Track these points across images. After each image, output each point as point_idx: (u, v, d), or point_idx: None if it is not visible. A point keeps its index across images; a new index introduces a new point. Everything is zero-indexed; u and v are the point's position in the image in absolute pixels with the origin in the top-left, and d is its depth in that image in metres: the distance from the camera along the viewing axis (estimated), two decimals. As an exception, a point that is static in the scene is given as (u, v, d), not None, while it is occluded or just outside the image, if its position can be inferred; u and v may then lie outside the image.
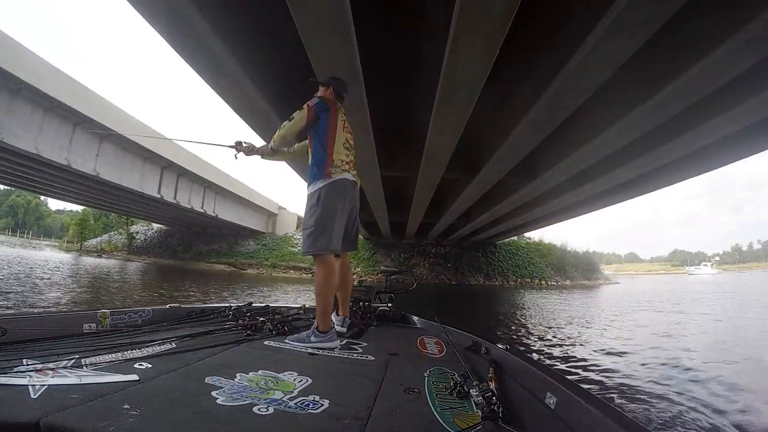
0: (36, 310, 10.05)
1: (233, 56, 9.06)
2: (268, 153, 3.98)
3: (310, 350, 3.08)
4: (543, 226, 35.68)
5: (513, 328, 13.34)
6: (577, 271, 50.67)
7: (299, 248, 49.02)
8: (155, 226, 57.15)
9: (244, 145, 3.94)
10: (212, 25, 8.18)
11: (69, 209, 72.66)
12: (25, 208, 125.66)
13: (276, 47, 9.53)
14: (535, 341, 10.96)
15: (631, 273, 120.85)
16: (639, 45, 7.35)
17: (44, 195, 68.60)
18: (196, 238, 52.47)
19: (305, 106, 3.56)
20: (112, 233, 62.35)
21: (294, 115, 3.58)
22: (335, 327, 3.52)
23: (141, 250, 55.03)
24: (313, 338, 3.22)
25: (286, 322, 3.69)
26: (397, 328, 4.40)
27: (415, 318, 4.61)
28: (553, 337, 11.71)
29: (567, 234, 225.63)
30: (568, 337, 11.63)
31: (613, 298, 30.81)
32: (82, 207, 62.15)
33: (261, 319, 3.68)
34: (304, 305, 4.72)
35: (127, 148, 25.82)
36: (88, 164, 23.45)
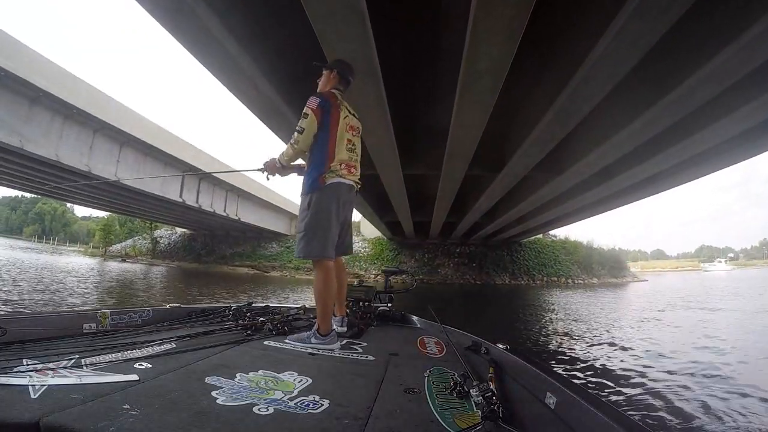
0: (36, 310, 10.16)
1: (246, 52, 8.80)
2: (286, 169, 3.69)
3: (310, 350, 3.08)
4: (568, 224, 34.96)
5: (549, 330, 13.01)
6: (604, 269, 50.01)
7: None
8: (179, 230, 57.34)
9: (268, 160, 3.69)
10: (221, 18, 7.92)
11: (95, 215, 74.36)
12: (51, 215, 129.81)
13: (291, 41, 9.21)
14: (576, 347, 10.47)
15: (657, 270, 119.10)
16: (667, 27, 6.95)
17: (68, 202, 69.84)
18: (220, 242, 52.61)
19: (308, 110, 3.35)
20: (136, 238, 62.83)
21: (302, 125, 3.36)
22: (335, 328, 3.46)
23: (165, 254, 55.35)
24: (313, 340, 3.22)
25: (286, 322, 3.70)
26: (397, 328, 4.43)
27: (415, 318, 4.65)
28: (597, 342, 11.17)
29: (593, 231, 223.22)
30: (614, 344, 11.02)
31: (645, 296, 30.23)
32: (107, 213, 62.72)
33: (261, 319, 3.71)
34: (304, 305, 4.74)
35: (147, 153, 25.78)
36: (109, 170, 23.40)
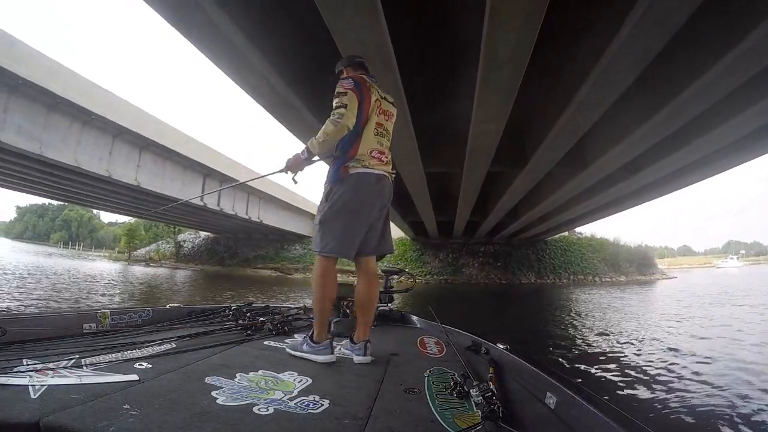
0: (36, 310, 10.30)
1: (255, 45, 8.52)
2: (314, 156, 3.13)
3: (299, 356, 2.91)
4: (594, 220, 34.37)
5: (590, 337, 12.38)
6: (632, 266, 48.84)
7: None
8: (202, 234, 57.58)
9: (291, 157, 3.19)
10: (226, 10, 7.63)
11: (121, 221, 76.20)
12: (78, 222, 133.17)
13: (301, 32, 8.97)
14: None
15: (684, 267, 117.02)
16: (696, 5, 6.63)
17: (92, 207, 71.42)
18: (243, 245, 52.56)
19: (345, 89, 2.98)
20: (160, 242, 63.34)
21: (343, 101, 2.95)
22: (355, 357, 3.01)
23: (188, 257, 55.50)
24: (305, 347, 2.94)
25: (286, 322, 3.68)
26: (397, 328, 4.42)
27: (415, 318, 4.64)
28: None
29: (619, 228, 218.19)
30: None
31: (679, 293, 29.27)
32: (133, 218, 63.77)
33: (261, 319, 3.69)
34: (305, 305, 4.69)
35: (167, 158, 25.95)
36: (129, 174, 23.60)
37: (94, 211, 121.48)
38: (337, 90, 3.01)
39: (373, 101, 3.12)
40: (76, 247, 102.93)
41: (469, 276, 42.69)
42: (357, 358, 2.97)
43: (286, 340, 3.17)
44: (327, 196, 3.08)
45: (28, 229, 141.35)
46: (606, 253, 47.95)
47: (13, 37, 16.01)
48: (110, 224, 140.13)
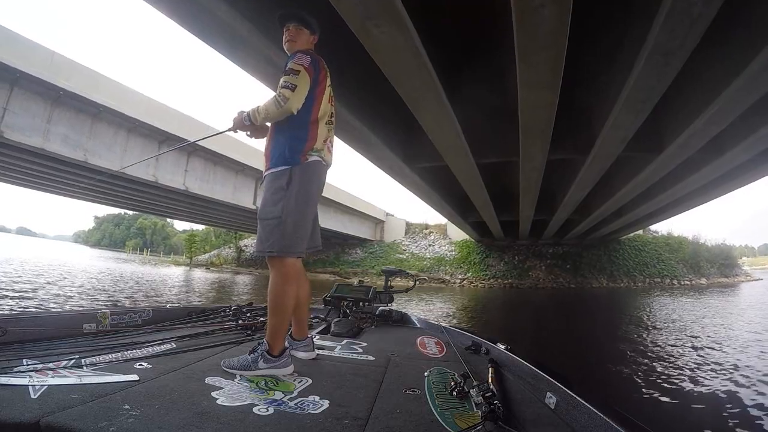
0: (36, 310, 10.10)
1: (256, 28, 7.63)
2: (258, 131, 3.02)
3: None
4: (673, 216, 31.27)
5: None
6: (713, 266, 45.22)
7: (408, 254, 48.10)
8: (264, 238, 58.27)
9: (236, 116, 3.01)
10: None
11: (195, 228, 79.67)
12: (152, 230, 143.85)
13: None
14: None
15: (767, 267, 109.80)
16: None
17: (166, 217, 73.96)
18: (303, 249, 52.55)
19: (300, 66, 2.75)
20: (222, 247, 65.40)
21: (293, 81, 2.70)
22: (300, 354, 2.98)
23: (249, 262, 56.54)
24: (262, 363, 2.58)
25: None
26: (397, 328, 4.50)
27: (415, 318, 4.77)
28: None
29: (696, 224, 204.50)
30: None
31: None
32: (203, 226, 67.69)
33: (261, 319, 3.73)
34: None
35: (217, 162, 26.35)
36: (177, 179, 24.11)
37: (168, 219, 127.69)
38: (290, 65, 2.79)
39: (326, 87, 2.96)
40: (144, 253, 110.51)
41: (536, 279, 40.84)
42: (303, 354, 2.97)
43: (224, 360, 2.69)
44: (287, 183, 2.75)
45: (105, 237, 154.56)
46: (685, 252, 44.65)
47: (52, 50, 16.77)
48: (183, 231, 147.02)
